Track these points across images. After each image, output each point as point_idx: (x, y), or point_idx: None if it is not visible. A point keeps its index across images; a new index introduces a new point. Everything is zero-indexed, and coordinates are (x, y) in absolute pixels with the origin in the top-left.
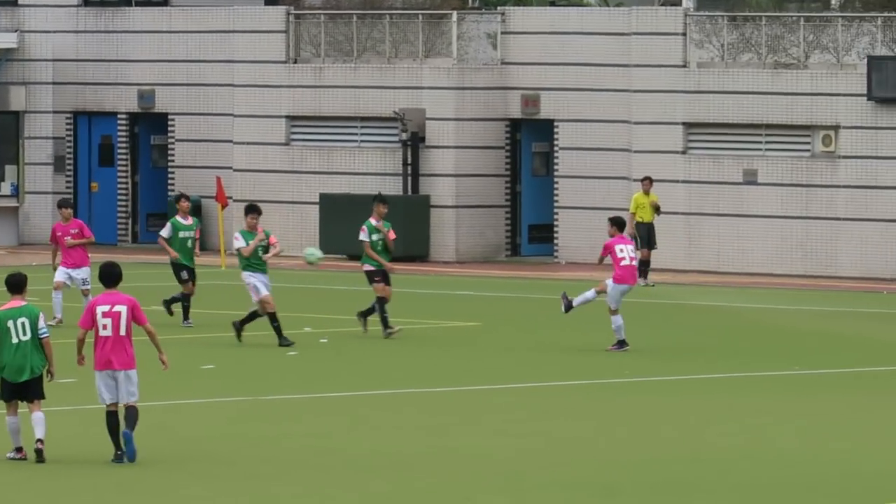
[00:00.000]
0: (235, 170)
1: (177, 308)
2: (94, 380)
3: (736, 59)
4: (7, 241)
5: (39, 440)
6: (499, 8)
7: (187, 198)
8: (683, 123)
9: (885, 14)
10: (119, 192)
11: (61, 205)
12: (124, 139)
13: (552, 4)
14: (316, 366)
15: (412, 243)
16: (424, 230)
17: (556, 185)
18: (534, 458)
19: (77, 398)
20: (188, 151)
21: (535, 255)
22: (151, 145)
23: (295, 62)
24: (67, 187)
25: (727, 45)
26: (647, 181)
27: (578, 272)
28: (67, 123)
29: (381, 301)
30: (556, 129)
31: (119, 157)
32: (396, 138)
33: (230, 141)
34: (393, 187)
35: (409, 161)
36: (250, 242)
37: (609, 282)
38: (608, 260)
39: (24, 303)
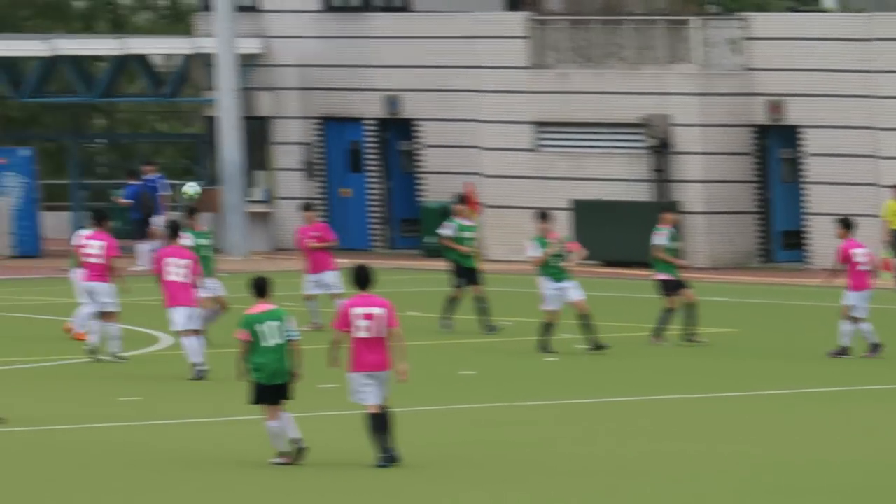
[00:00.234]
0: (486, 175)
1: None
2: (351, 382)
3: None
4: (262, 246)
5: (298, 439)
6: (739, 14)
7: (469, 199)
8: None
9: None
10: (370, 197)
11: (304, 208)
12: (372, 145)
13: (791, 10)
14: (579, 373)
15: None
16: None
17: (804, 192)
18: (800, 466)
19: (337, 403)
20: (436, 157)
21: (788, 262)
22: (399, 151)
23: (538, 68)
24: (319, 193)
25: None
26: None
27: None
28: (318, 128)
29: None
30: (801, 136)
31: (368, 162)
32: (643, 144)
33: (476, 147)
34: (640, 193)
35: (660, 167)
36: (543, 251)
37: (850, 292)
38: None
39: (272, 306)
